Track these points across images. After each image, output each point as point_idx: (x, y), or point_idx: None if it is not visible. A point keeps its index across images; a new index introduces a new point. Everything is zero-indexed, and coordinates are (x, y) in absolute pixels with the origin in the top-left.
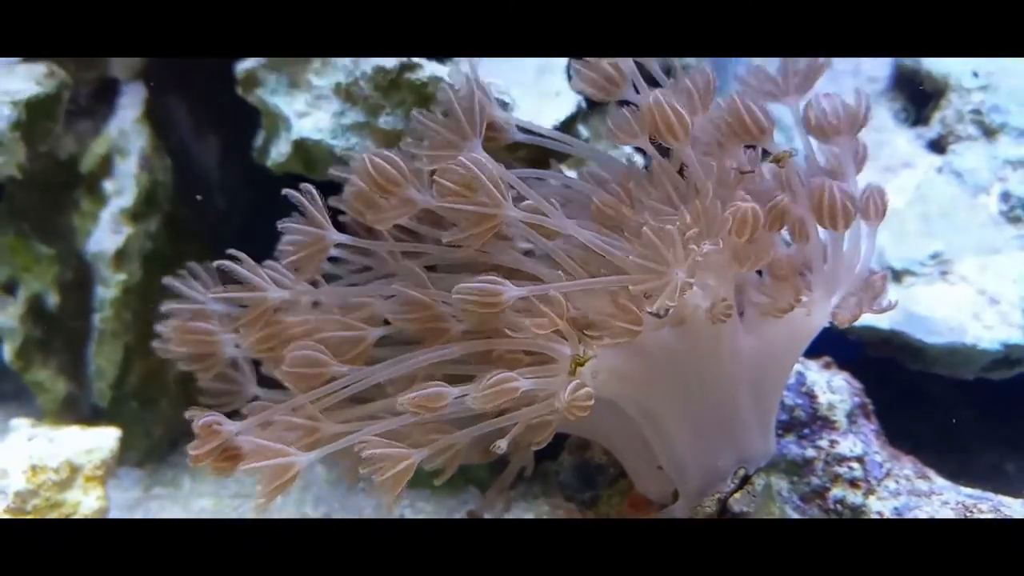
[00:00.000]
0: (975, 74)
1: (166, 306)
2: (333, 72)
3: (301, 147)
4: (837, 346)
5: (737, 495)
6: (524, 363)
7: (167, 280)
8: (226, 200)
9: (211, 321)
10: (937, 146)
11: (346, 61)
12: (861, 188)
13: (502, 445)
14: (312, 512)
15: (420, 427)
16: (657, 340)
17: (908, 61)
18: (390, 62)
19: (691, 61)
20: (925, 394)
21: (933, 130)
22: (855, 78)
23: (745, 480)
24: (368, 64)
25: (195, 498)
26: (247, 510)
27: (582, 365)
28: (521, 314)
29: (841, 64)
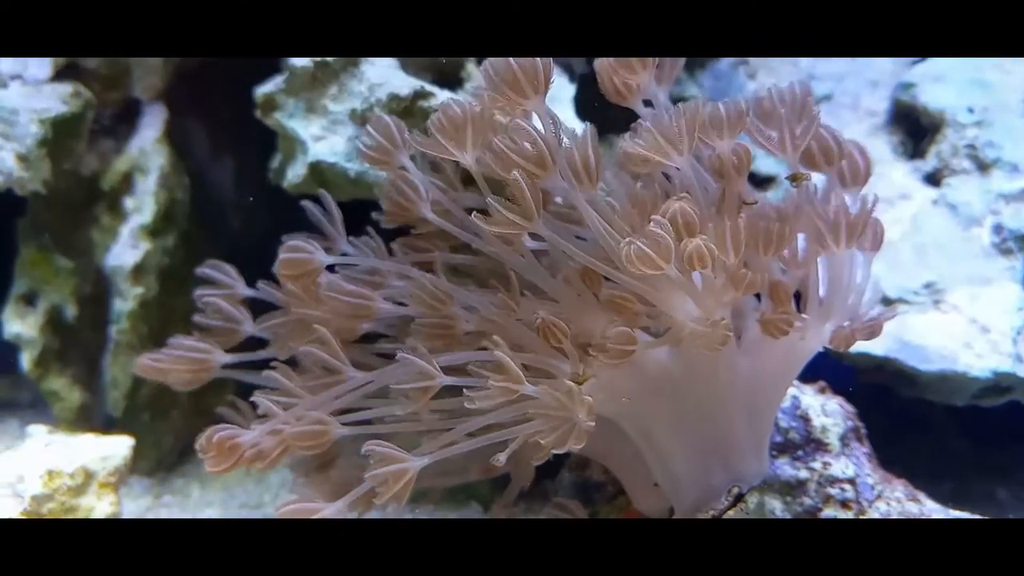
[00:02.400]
0: (970, 110)
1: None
2: (349, 98)
3: (316, 169)
4: (835, 372)
5: (731, 512)
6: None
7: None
8: (241, 218)
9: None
10: (933, 179)
11: (362, 88)
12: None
13: (501, 459)
14: None
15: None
16: (655, 361)
17: (906, 96)
18: (404, 90)
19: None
20: (922, 421)
21: (929, 163)
22: (854, 112)
23: (739, 498)
24: (383, 91)
25: (203, 506)
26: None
27: (581, 384)
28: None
29: (841, 98)
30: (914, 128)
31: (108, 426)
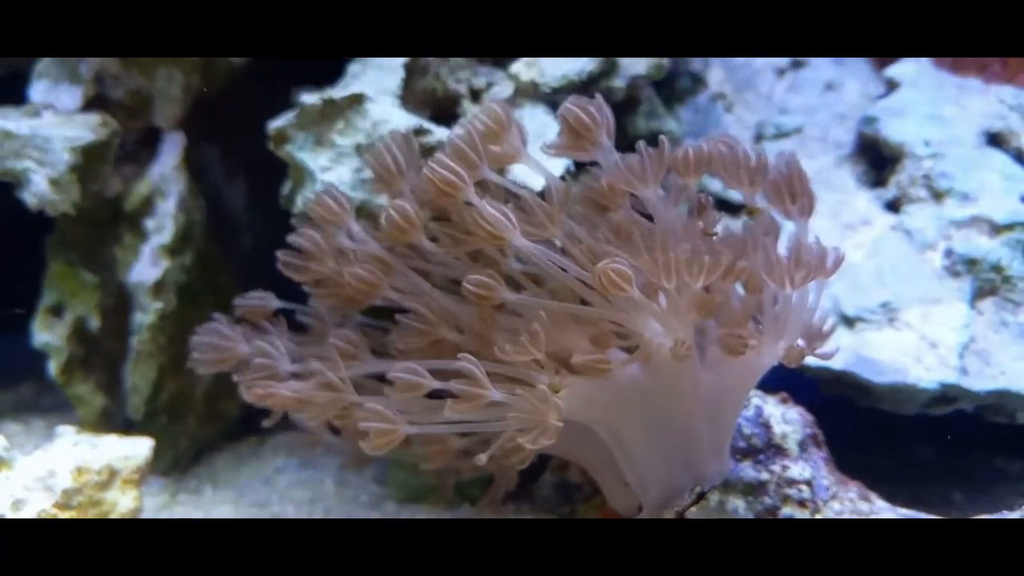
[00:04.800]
0: (926, 143)
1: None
2: (354, 133)
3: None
4: (804, 387)
5: (693, 509)
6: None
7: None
8: (252, 239)
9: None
10: (893, 206)
11: (366, 124)
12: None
13: (483, 458)
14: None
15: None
16: (626, 374)
17: (869, 129)
18: (403, 126)
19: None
20: (890, 432)
21: (890, 192)
22: (823, 144)
23: (701, 496)
24: (384, 128)
25: (216, 505)
26: (264, 516)
27: (556, 393)
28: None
29: (811, 131)
30: (877, 159)
31: (127, 429)
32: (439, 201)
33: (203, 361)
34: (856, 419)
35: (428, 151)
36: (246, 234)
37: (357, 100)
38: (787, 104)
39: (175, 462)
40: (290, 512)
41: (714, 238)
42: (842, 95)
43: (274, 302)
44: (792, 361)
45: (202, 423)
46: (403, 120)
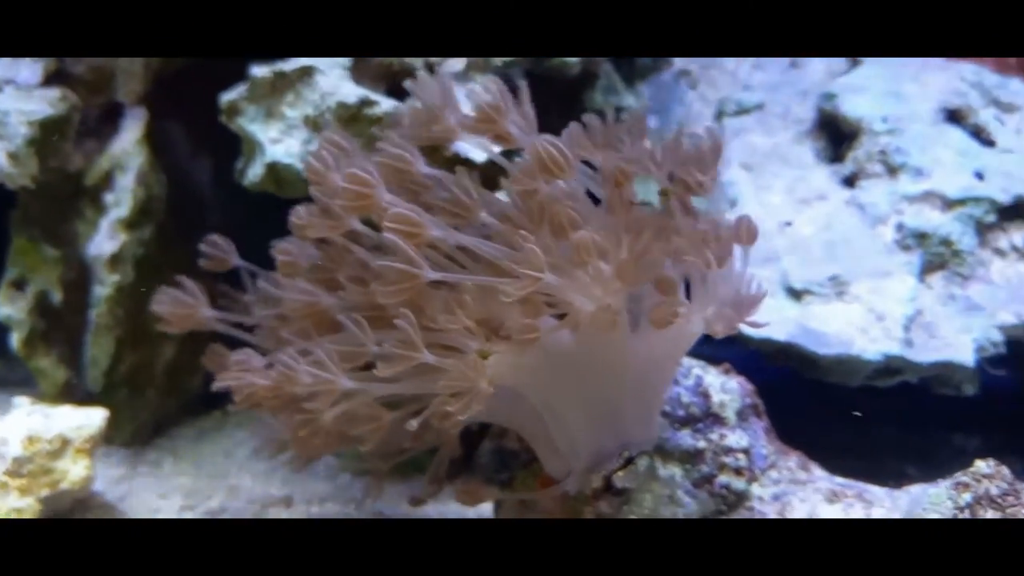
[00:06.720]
0: (884, 119)
1: None
2: (303, 105)
3: (273, 169)
4: (759, 364)
5: (620, 473)
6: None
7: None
8: (217, 214)
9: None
10: (849, 182)
11: (315, 96)
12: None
13: (413, 424)
14: (277, 492)
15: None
16: (555, 341)
17: (828, 106)
18: (351, 98)
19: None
20: (847, 407)
21: (847, 167)
22: (784, 120)
23: (629, 461)
24: (333, 100)
25: (175, 476)
26: (221, 487)
27: (486, 359)
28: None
29: (773, 108)
30: (836, 135)
31: (89, 401)
32: (354, 212)
33: (165, 320)
34: (822, 395)
35: (374, 121)
36: (212, 210)
37: (307, 72)
38: (751, 81)
39: (136, 434)
40: (247, 483)
41: (635, 211)
42: (806, 72)
43: (235, 258)
44: (719, 332)
45: (163, 396)
46: (351, 91)
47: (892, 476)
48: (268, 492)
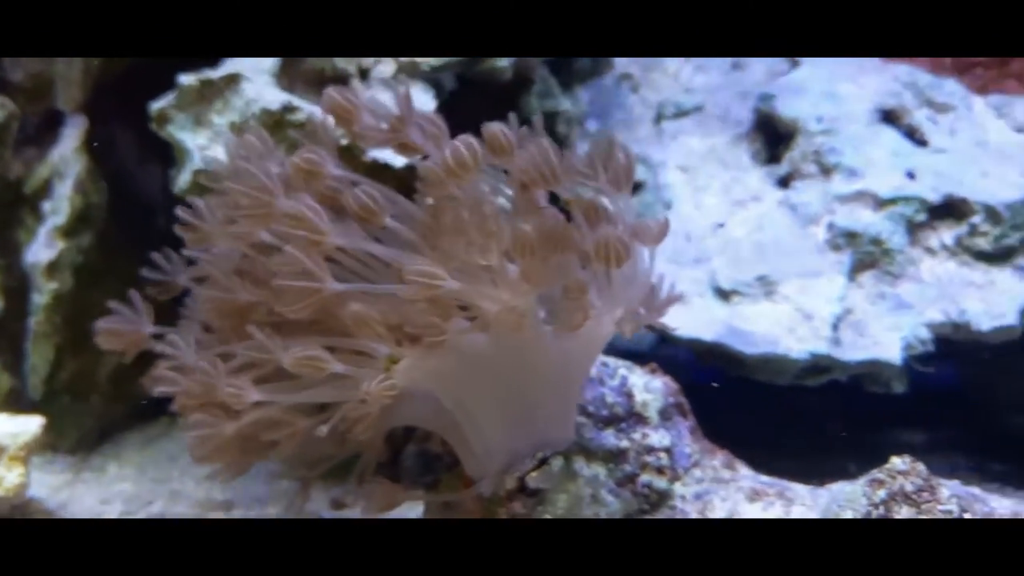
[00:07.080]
0: (819, 119)
1: None
2: (230, 112)
3: (200, 176)
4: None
5: (534, 474)
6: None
7: None
8: (166, 220)
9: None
10: (784, 182)
11: (240, 103)
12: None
13: (323, 430)
14: (219, 496)
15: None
16: (467, 344)
17: (765, 107)
18: (274, 104)
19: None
20: (800, 408)
21: (783, 168)
22: (723, 122)
23: (543, 462)
24: (257, 106)
25: (118, 482)
26: (163, 492)
27: (395, 363)
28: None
29: (712, 109)
30: (773, 136)
31: (34, 409)
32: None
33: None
34: (761, 394)
35: (298, 127)
36: (162, 217)
37: (234, 80)
38: (693, 83)
39: (81, 441)
40: (189, 487)
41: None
42: (748, 73)
43: (182, 277)
44: (628, 331)
45: (107, 403)
46: (274, 98)
47: (838, 472)
48: (210, 496)
